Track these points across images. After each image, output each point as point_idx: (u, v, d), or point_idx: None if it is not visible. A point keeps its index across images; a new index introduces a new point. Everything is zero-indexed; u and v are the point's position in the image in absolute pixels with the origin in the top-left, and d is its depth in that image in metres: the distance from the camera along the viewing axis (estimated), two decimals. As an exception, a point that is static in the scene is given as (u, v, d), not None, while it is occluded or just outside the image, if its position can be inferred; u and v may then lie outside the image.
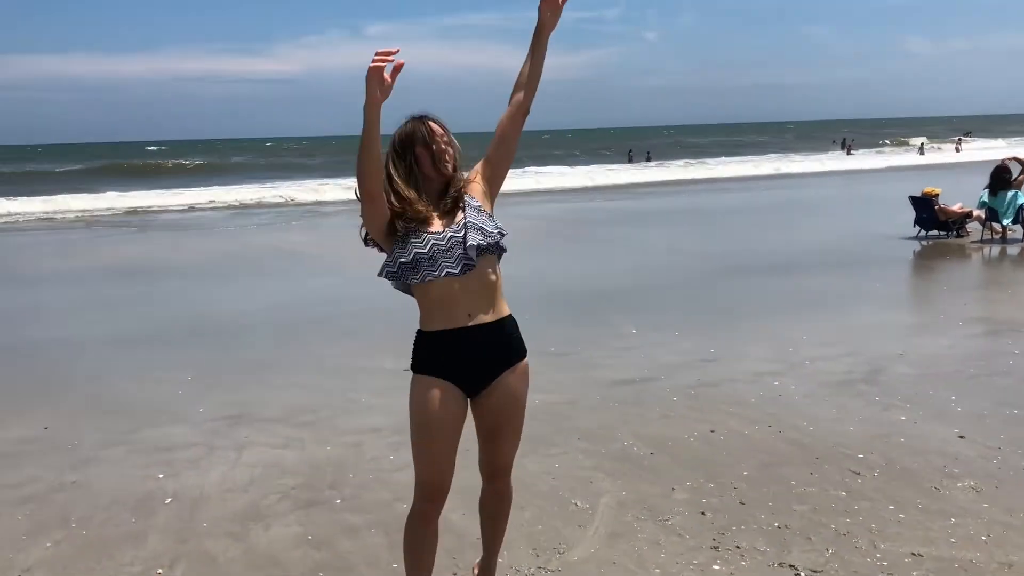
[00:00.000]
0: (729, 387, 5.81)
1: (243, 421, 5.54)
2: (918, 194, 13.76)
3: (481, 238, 2.68)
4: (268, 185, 31.64)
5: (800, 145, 60.29)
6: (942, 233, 13.54)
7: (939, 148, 50.28)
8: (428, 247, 2.66)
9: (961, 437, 4.67)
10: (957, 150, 46.70)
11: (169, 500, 4.32)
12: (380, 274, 2.79)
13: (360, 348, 7.47)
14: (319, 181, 32.24)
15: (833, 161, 41.28)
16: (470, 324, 2.71)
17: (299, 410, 5.71)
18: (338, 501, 4.22)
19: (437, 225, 2.70)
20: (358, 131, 2.56)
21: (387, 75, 2.50)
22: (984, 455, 4.40)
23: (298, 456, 4.89)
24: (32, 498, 4.39)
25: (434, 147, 2.73)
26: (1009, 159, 13.62)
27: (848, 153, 47.53)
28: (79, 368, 7.16)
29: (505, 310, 2.82)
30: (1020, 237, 12.79)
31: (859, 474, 4.22)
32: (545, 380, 6.20)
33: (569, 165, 41.81)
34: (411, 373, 2.80)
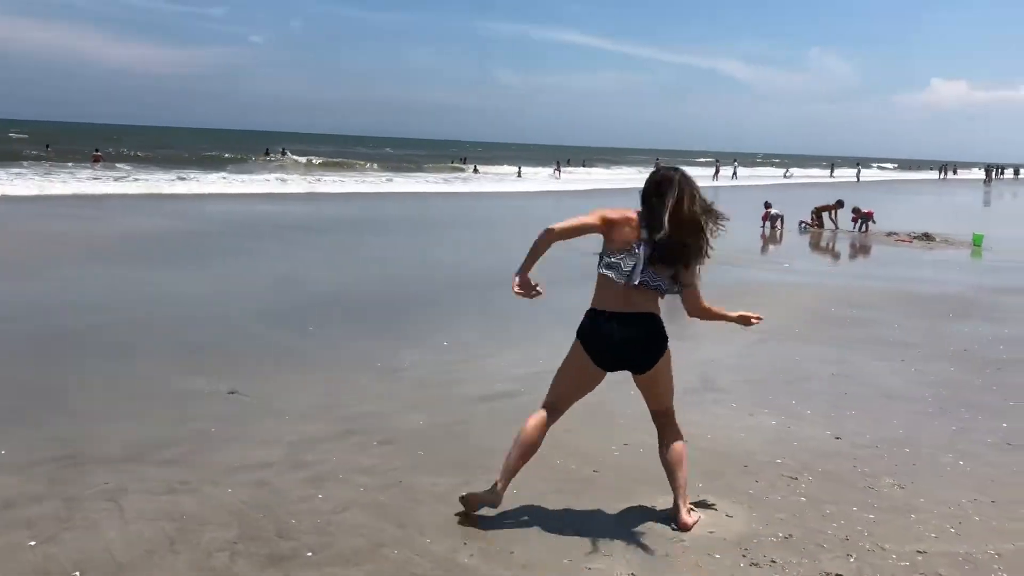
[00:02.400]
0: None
1: (84, 463, 4.49)
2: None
3: None
4: None
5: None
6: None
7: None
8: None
9: (837, 439, 5.27)
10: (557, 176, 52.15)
11: (77, 574, 3.36)
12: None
13: (161, 365, 6.42)
14: None
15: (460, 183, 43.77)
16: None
17: (147, 446, 4.76)
18: (309, 554, 3.60)
19: None
20: None
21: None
22: (872, 455, 5.01)
23: (200, 502, 4.07)
24: None
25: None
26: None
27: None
28: None
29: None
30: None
31: (796, 479, 4.59)
32: (411, 396, 5.87)
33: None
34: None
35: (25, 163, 35.85)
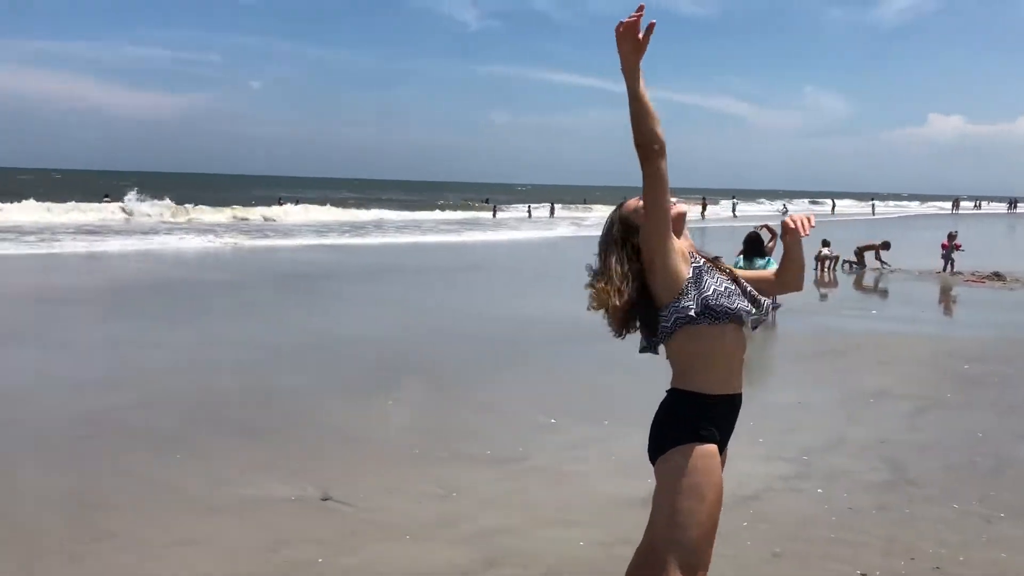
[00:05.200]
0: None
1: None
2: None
3: None
4: None
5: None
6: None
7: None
8: (724, 287, 2.55)
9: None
10: None
11: None
12: (670, 323, 2.51)
13: (214, 459, 5.21)
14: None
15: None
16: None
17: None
18: None
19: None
20: None
21: (640, 34, 2.31)
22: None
23: None
24: None
25: None
26: (760, 227, 14.39)
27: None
28: None
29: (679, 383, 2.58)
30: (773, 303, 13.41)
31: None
32: (542, 507, 4.62)
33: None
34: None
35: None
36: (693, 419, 2.47)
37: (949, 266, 19.35)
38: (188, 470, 5.08)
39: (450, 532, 4.24)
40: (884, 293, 16.37)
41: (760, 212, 60.17)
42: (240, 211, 37.91)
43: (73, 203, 34.32)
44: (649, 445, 2.55)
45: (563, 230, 35.59)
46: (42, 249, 20.40)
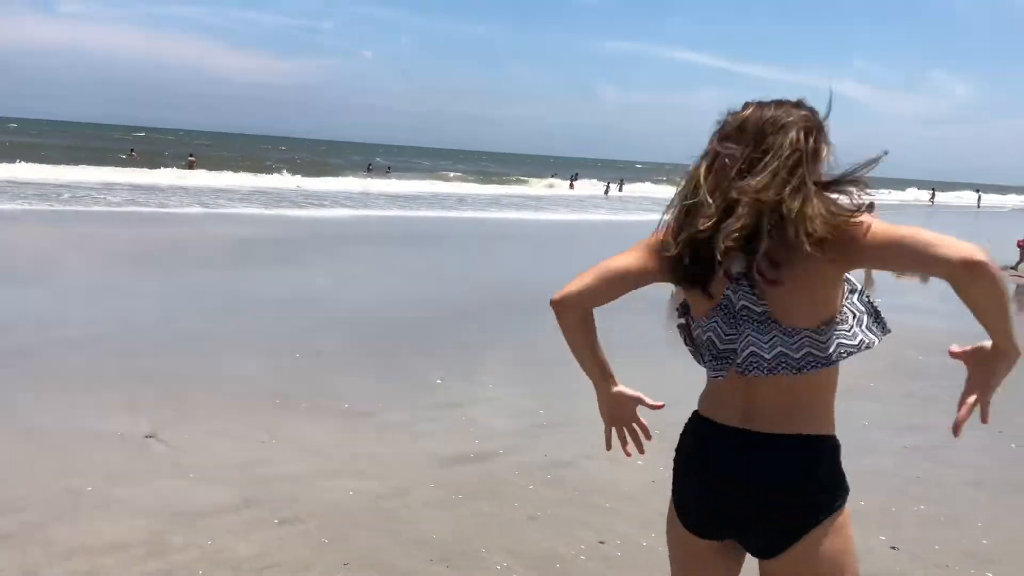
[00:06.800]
0: (589, 466, 4.68)
1: None
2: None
3: None
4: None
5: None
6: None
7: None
8: None
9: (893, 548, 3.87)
10: None
11: None
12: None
13: (84, 400, 5.48)
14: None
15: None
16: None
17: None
18: None
19: None
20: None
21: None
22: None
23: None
24: None
25: None
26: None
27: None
28: None
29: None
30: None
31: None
32: (356, 455, 4.76)
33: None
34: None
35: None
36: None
37: None
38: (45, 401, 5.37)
39: (236, 473, 4.36)
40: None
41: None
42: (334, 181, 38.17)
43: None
44: (784, 519, 1.73)
45: (600, 212, 34.97)
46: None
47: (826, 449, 1.76)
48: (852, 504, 1.79)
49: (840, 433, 1.81)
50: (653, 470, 4.13)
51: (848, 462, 1.79)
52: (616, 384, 1.98)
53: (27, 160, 31.42)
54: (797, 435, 1.73)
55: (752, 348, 1.72)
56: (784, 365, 1.70)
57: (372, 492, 4.21)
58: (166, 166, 36.65)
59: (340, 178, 40.11)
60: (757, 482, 1.73)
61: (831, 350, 1.70)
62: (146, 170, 33.45)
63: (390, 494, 4.22)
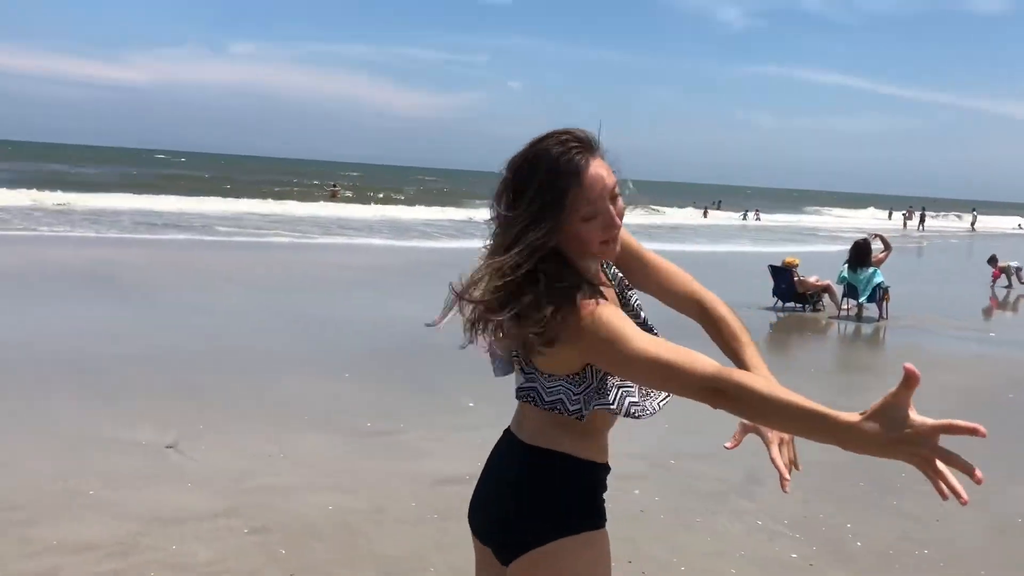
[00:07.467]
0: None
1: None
2: (779, 263, 13.33)
3: None
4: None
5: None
6: (798, 306, 13.14)
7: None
8: None
9: None
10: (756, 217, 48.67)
11: None
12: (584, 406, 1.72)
13: (120, 409, 5.84)
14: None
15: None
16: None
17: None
18: None
19: None
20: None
21: None
22: None
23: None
24: None
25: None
26: (872, 235, 13.38)
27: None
28: None
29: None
30: (875, 316, 12.46)
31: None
32: (353, 472, 4.86)
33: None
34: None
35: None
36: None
37: None
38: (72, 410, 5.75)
39: (230, 484, 4.54)
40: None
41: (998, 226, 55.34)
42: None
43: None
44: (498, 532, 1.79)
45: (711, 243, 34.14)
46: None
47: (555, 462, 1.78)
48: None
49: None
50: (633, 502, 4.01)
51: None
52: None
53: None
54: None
55: None
56: None
57: (349, 508, 4.30)
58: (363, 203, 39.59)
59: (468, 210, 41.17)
60: None
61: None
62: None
63: (366, 510, 4.29)
